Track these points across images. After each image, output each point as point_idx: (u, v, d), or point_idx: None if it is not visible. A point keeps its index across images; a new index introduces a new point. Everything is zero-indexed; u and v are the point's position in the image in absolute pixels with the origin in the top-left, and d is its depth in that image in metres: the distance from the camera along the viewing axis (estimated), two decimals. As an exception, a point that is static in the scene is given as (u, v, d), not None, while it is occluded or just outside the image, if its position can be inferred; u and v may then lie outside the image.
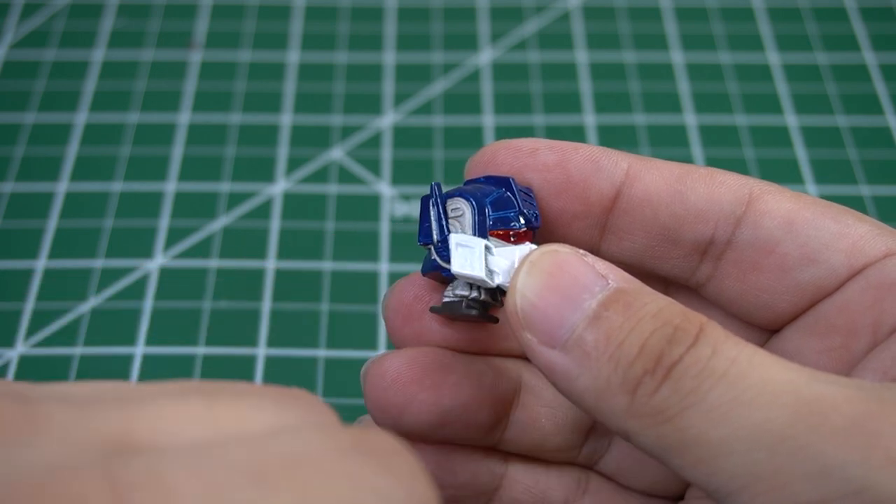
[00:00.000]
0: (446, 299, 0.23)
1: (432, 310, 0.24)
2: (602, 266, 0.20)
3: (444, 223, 0.24)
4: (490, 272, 0.22)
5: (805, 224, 0.23)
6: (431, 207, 0.24)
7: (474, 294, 0.23)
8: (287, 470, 0.13)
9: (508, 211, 0.23)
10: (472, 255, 0.22)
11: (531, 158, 0.24)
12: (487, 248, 0.22)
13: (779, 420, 0.17)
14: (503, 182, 0.24)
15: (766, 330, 0.24)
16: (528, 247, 0.22)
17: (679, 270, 0.24)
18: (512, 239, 0.23)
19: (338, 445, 0.14)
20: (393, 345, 0.26)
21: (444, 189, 0.24)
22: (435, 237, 0.24)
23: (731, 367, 0.18)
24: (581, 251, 0.20)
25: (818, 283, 0.23)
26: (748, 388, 0.18)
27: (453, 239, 0.23)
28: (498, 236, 0.23)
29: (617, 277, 0.20)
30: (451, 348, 0.25)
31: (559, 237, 0.24)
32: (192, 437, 0.14)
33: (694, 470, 0.18)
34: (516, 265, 0.21)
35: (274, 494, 0.13)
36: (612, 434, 0.26)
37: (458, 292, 0.23)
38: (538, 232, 0.24)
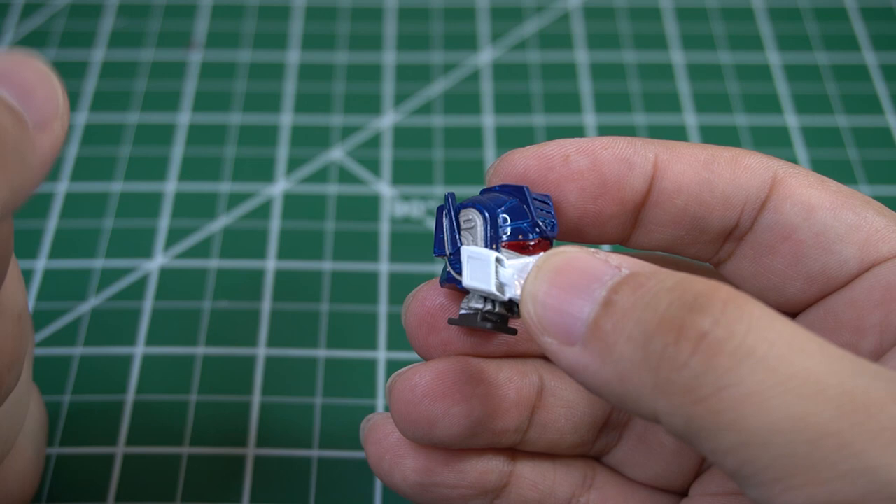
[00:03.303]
0: (462, 311, 0.23)
1: (450, 321, 0.24)
2: (615, 258, 0.19)
3: (456, 235, 0.23)
4: (501, 285, 0.22)
5: (824, 212, 0.22)
6: (444, 218, 0.24)
7: (488, 307, 0.23)
8: None
9: (521, 222, 0.23)
10: (482, 268, 0.22)
11: (565, 168, 0.23)
12: (498, 261, 0.22)
13: (823, 414, 0.16)
14: (517, 191, 0.23)
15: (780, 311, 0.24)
16: (541, 256, 0.22)
17: (703, 253, 0.24)
18: (526, 250, 0.23)
19: None
20: (417, 354, 0.25)
21: (460, 199, 0.24)
22: (448, 249, 0.23)
23: (772, 350, 0.17)
24: (592, 249, 0.20)
25: (829, 274, 0.22)
26: (791, 377, 0.17)
27: (465, 251, 0.22)
28: (512, 247, 0.23)
29: (631, 265, 0.19)
30: (476, 355, 0.25)
31: (595, 238, 0.24)
32: None
33: (726, 456, 0.17)
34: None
35: None
36: (623, 426, 0.26)
37: (473, 305, 0.23)
38: (555, 239, 0.23)
